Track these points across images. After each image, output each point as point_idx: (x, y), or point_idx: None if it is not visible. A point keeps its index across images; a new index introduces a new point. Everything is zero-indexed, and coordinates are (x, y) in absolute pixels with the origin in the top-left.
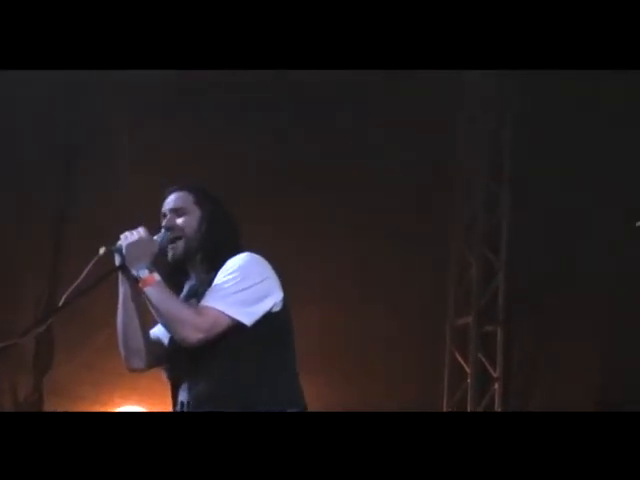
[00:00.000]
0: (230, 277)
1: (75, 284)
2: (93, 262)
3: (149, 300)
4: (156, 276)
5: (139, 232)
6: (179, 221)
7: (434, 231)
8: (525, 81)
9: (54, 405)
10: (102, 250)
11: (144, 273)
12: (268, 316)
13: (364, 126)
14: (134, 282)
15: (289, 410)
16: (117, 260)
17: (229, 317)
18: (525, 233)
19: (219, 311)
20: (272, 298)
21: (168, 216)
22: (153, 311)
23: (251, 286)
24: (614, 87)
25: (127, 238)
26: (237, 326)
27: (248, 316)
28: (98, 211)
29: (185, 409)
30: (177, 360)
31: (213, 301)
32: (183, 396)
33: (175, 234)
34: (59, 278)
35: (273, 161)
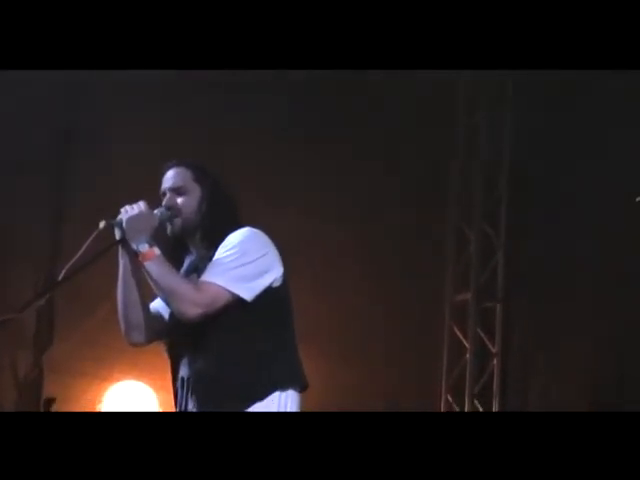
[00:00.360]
0: (230, 252)
1: (75, 258)
2: (93, 236)
3: (149, 274)
4: (156, 250)
5: (139, 206)
6: (179, 200)
7: (433, 208)
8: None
9: (54, 381)
10: (102, 224)
11: (144, 247)
12: (268, 291)
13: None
14: (134, 256)
15: (289, 385)
16: (117, 234)
17: (229, 292)
18: (525, 210)
19: (219, 286)
20: (272, 273)
21: (168, 195)
22: (152, 285)
23: (251, 261)
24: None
25: (127, 212)
26: (237, 301)
27: (248, 291)
28: (98, 182)
29: (185, 384)
30: (177, 335)
31: (213, 276)
32: (183, 371)
33: (175, 212)
34: (59, 251)
35: (274, 149)
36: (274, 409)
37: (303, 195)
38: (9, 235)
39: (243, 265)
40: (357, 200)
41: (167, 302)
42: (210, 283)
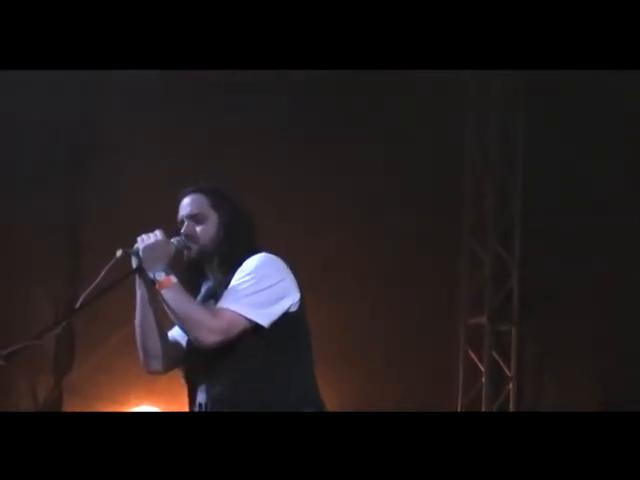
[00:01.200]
0: (247, 278)
1: (92, 286)
2: (110, 264)
3: (165, 302)
4: (173, 278)
5: (156, 235)
6: (198, 229)
7: (446, 230)
8: (536, 80)
9: (72, 405)
10: (119, 253)
11: (161, 275)
12: (285, 317)
13: (377, 117)
14: (151, 285)
15: (307, 409)
16: (134, 262)
17: (246, 318)
18: (538, 232)
19: (235, 313)
20: (289, 299)
21: (186, 223)
22: (169, 313)
23: (268, 287)
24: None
25: (144, 241)
26: (254, 327)
27: (265, 317)
28: (114, 210)
29: (203, 410)
30: (194, 361)
31: (229, 303)
32: (200, 397)
33: (193, 241)
34: (78, 276)
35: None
36: None
37: (318, 217)
38: (27, 260)
39: (260, 291)
40: (365, 217)
41: (184, 330)
42: (227, 310)
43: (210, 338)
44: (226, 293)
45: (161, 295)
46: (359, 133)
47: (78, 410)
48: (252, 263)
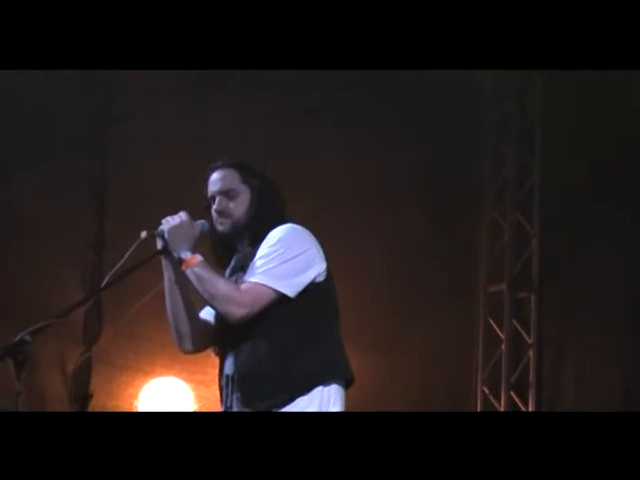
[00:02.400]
0: (272, 249)
1: (116, 267)
2: (135, 246)
3: (192, 280)
4: (198, 257)
5: (180, 217)
6: (231, 205)
7: (466, 198)
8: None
9: (100, 375)
10: (144, 234)
11: (187, 255)
12: (311, 287)
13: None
14: (177, 265)
15: (333, 380)
16: (159, 244)
17: (272, 290)
18: (557, 199)
19: (262, 285)
20: (315, 269)
21: (217, 199)
22: (197, 290)
23: (293, 257)
24: None
25: (168, 222)
26: (280, 298)
27: (291, 288)
28: (140, 183)
29: (230, 382)
30: (224, 335)
31: (256, 275)
32: (228, 369)
33: (226, 217)
34: (104, 247)
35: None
36: (317, 404)
37: (333, 184)
38: (54, 235)
39: (285, 262)
40: (389, 190)
41: (212, 306)
42: (252, 283)
43: (239, 312)
44: (252, 265)
45: (188, 274)
46: (389, 124)
47: (105, 380)
48: (277, 234)
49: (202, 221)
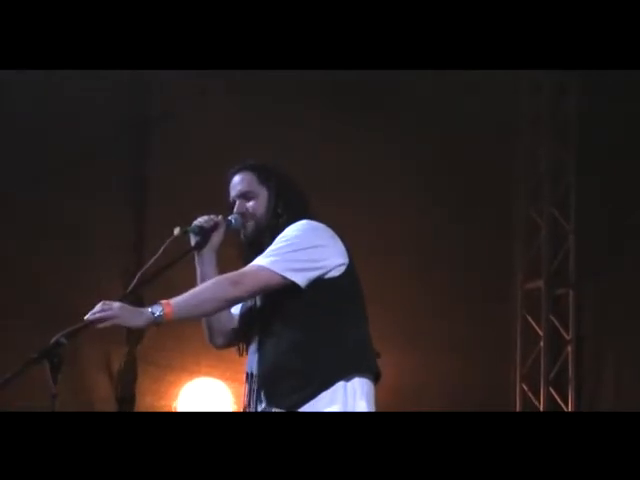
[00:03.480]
0: (282, 240)
1: (148, 264)
2: (167, 243)
3: (190, 314)
4: (167, 302)
5: (212, 219)
6: (249, 205)
7: (502, 194)
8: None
9: (146, 374)
10: (177, 231)
11: (159, 309)
12: (330, 282)
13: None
14: (211, 261)
15: (356, 374)
16: (192, 240)
17: (277, 274)
18: (595, 195)
19: (263, 267)
20: (329, 262)
21: (237, 202)
22: (204, 312)
23: (304, 248)
24: None
25: (202, 221)
26: (290, 287)
27: (299, 276)
28: (178, 181)
29: (252, 379)
30: (250, 333)
31: (258, 259)
32: (250, 367)
33: (247, 219)
34: (144, 247)
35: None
36: (340, 399)
37: (368, 180)
38: (92, 234)
39: (294, 251)
40: (424, 188)
41: (223, 304)
42: (252, 265)
43: (232, 291)
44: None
45: (180, 315)
46: (420, 118)
47: (151, 380)
48: (292, 228)
49: (234, 215)
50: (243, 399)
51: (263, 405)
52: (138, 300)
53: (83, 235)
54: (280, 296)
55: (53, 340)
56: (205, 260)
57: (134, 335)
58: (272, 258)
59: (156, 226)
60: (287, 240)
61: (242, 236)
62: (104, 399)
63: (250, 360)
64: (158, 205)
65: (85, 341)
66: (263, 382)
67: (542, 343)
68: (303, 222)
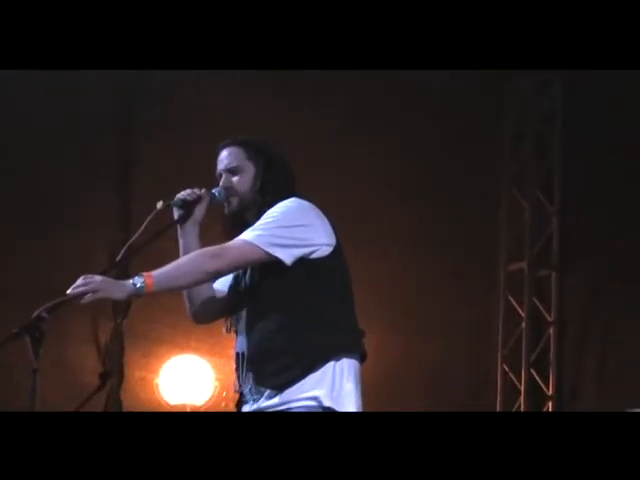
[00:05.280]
0: (269, 217)
1: (132, 238)
2: (150, 217)
3: (171, 286)
4: (148, 274)
5: (196, 192)
6: (234, 180)
7: (486, 176)
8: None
9: (135, 348)
10: (159, 204)
11: (140, 280)
12: (316, 262)
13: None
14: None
15: (344, 355)
16: (176, 214)
17: (260, 249)
18: (578, 176)
19: (246, 241)
20: (315, 241)
21: (224, 176)
22: (185, 283)
23: (290, 226)
24: None
25: (185, 194)
26: (276, 263)
27: (284, 252)
28: (163, 155)
29: (241, 359)
30: (237, 312)
31: (243, 234)
32: (239, 347)
33: (231, 192)
34: (130, 223)
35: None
36: (329, 379)
37: (355, 163)
38: (76, 207)
39: (280, 227)
40: (407, 171)
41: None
42: (236, 239)
43: (211, 263)
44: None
45: (161, 286)
46: (414, 107)
47: (141, 354)
48: (279, 205)
49: (218, 189)
50: (234, 380)
51: (251, 385)
52: (124, 274)
53: (67, 211)
54: (268, 275)
55: (34, 314)
56: (187, 233)
57: (120, 308)
58: (257, 232)
59: (142, 204)
60: (274, 216)
61: (226, 211)
62: (91, 371)
63: (240, 340)
64: (143, 181)
65: (71, 314)
66: (252, 362)
67: (524, 324)
68: (292, 199)
